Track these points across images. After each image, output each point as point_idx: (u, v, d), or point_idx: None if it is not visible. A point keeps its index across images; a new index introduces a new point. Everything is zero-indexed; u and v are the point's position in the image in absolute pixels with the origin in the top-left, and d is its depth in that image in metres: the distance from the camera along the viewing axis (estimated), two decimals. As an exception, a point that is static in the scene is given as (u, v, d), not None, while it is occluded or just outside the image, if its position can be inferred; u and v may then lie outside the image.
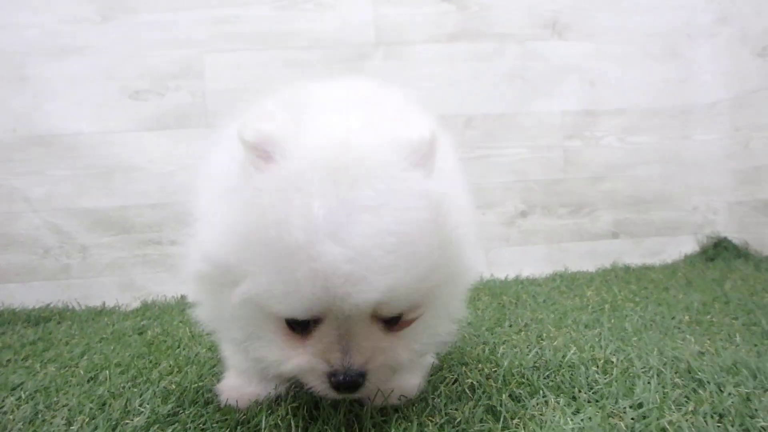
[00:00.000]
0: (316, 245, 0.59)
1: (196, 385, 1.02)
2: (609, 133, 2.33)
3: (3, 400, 1.01)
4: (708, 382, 0.88)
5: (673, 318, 1.35)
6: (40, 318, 1.83)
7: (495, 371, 0.99)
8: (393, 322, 0.68)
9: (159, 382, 1.06)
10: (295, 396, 0.88)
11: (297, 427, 0.78)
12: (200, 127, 2.09)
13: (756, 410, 0.78)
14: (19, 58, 2.02)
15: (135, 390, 1.02)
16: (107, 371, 1.16)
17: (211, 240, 0.68)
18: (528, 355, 1.08)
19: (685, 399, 0.84)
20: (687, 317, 1.35)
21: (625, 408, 0.81)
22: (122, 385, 1.06)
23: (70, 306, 2.03)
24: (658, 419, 0.77)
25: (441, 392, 0.91)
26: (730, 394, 0.82)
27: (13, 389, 1.08)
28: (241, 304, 0.66)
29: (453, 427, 0.77)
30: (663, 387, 0.88)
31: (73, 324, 1.74)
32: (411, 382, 0.91)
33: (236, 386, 0.94)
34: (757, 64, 2.17)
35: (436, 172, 0.69)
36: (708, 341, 1.12)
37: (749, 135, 2.23)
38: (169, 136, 2.08)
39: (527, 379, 0.95)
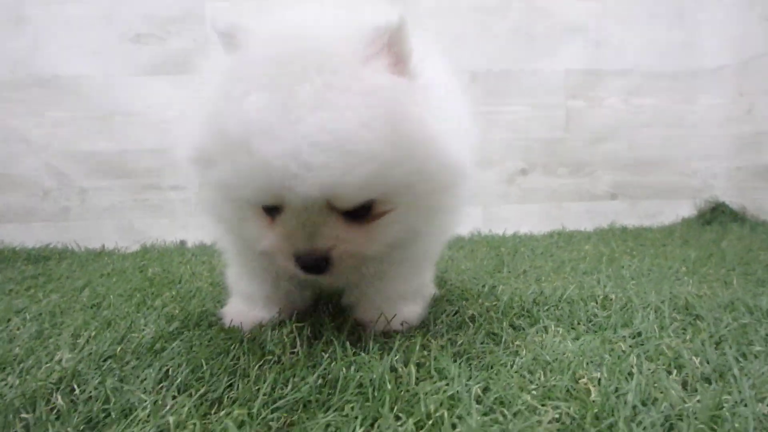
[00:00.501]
0: (249, 140, 0.60)
1: (200, 310, 1.03)
2: (612, 94, 2.32)
3: (9, 320, 1.02)
4: (704, 317, 0.89)
5: (669, 268, 1.37)
6: (40, 257, 1.84)
7: (495, 304, 1.01)
8: (360, 215, 0.68)
9: (162, 308, 1.07)
10: (299, 318, 0.89)
11: (302, 344, 0.79)
12: (202, 73, 2.07)
13: (752, 340, 0.79)
14: (18, -2, 1.99)
15: (138, 314, 1.03)
16: (110, 299, 1.17)
17: (189, 129, 0.72)
18: (527, 292, 1.09)
19: (683, 330, 0.86)
20: (684, 268, 1.36)
21: (624, 336, 0.83)
22: (126, 310, 1.07)
23: (70, 247, 2.04)
24: (656, 344, 0.79)
25: (442, 321, 0.93)
26: (727, 325, 0.84)
27: (18, 312, 1.09)
28: (215, 189, 0.71)
29: (454, 347, 0.79)
30: (661, 320, 0.89)
31: (74, 262, 1.75)
32: (412, 309, 0.93)
33: (241, 310, 0.96)
34: (763, 27, 2.15)
35: (411, 66, 0.66)
36: (705, 286, 1.14)
37: (753, 100, 2.22)
38: (170, 82, 2.05)
39: (527, 311, 0.96)
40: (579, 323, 0.90)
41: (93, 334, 0.89)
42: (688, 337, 0.81)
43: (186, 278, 1.41)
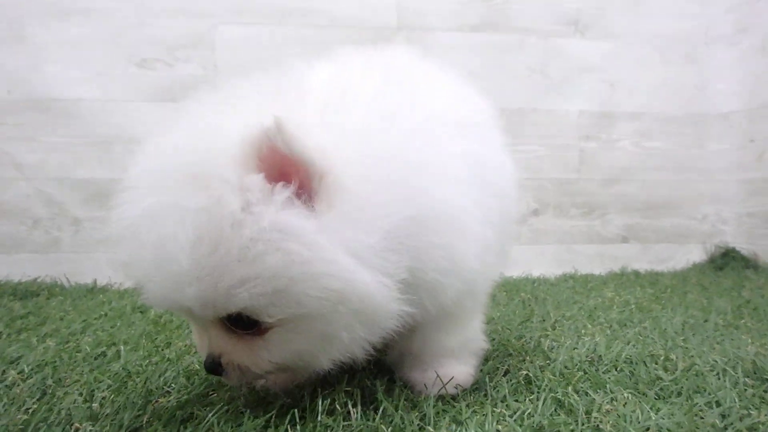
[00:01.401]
0: (121, 244, 0.63)
1: (224, 364, 0.93)
2: (624, 136, 2.29)
3: (4, 373, 0.91)
4: (783, 383, 0.82)
5: (706, 321, 1.30)
6: (28, 292, 1.71)
7: (548, 364, 0.93)
8: (249, 327, 0.64)
9: (178, 361, 0.97)
10: (347, 380, 0.80)
11: (356, 411, 0.70)
12: (208, 102, 1.99)
13: None
14: (18, 16, 1.89)
15: (152, 368, 0.93)
16: (116, 348, 1.07)
17: None
18: (578, 349, 1.01)
19: (761, 399, 0.78)
20: (721, 321, 1.30)
21: (701, 406, 0.76)
22: (137, 362, 0.97)
23: (59, 281, 1.91)
24: (741, 419, 0.71)
25: (496, 383, 0.84)
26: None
27: (13, 362, 0.98)
28: None
29: (524, 418, 0.70)
30: (735, 386, 0.82)
31: (65, 300, 1.63)
32: (463, 369, 0.84)
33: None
34: (776, 75, 2.16)
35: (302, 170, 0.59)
36: (757, 343, 1.07)
37: (763, 147, 2.22)
38: (176, 109, 1.96)
39: (586, 373, 0.88)
40: (646, 388, 0.83)
41: (108, 395, 0.79)
42: (776, 410, 0.74)
43: (194, 322, 1.31)
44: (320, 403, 0.70)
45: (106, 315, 1.42)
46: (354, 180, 0.62)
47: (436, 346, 0.83)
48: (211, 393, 0.81)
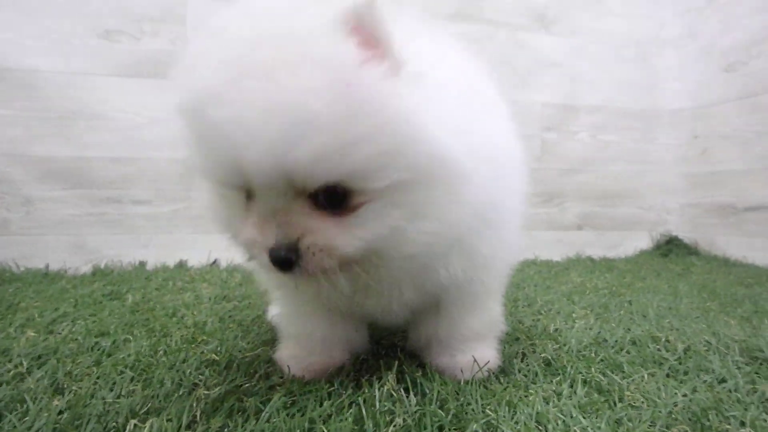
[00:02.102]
0: (202, 109, 0.57)
1: (247, 355, 0.91)
2: (583, 128, 2.39)
3: (17, 365, 0.85)
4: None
5: (680, 302, 1.40)
6: (-23, 278, 1.59)
7: (561, 347, 0.97)
8: (335, 205, 0.61)
9: (188, 351, 0.94)
10: (387, 368, 0.80)
11: (409, 397, 0.71)
12: (176, 79, 1.90)
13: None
14: (-34, -23, 1.73)
15: (165, 359, 0.89)
16: (110, 338, 1.01)
17: None
18: (582, 332, 1.06)
19: (757, 375, 0.86)
20: (691, 303, 1.40)
21: (711, 382, 0.82)
22: (144, 353, 0.92)
23: (8, 266, 1.78)
24: (749, 393, 0.78)
25: (520, 367, 0.87)
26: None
27: (2, 353, 0.91)
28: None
29: (563, 398, 0.74)
30: (735, 364, 0.89)
31: (23, 286, 1.52)
32: (489, 352, 0.87)
33: (297, 356, 0.86)
34: (721, 78, 2.32)
35: (390, 49, 0.59)
36: (734, 323, 1.16)
37: (706, 143, 2.38)
38: (142, 85, 1.86)
39: (597, 355, 0.93)
40: (656, 368, 0.88)
41: (134, 388, 0.75)
42: (777, 384, 0.81)
43: (181, 310, 1.26)
44: (377, 389, 0.70)
45: (77, 303, 1.34)
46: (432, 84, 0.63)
47: (463, 328, 0.85)
48: (246, 383, 0.79)
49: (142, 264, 1.91)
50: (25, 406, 0.69)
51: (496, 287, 0.90)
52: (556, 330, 1.09)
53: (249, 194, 0.63)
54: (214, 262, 1.96)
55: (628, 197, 2.47)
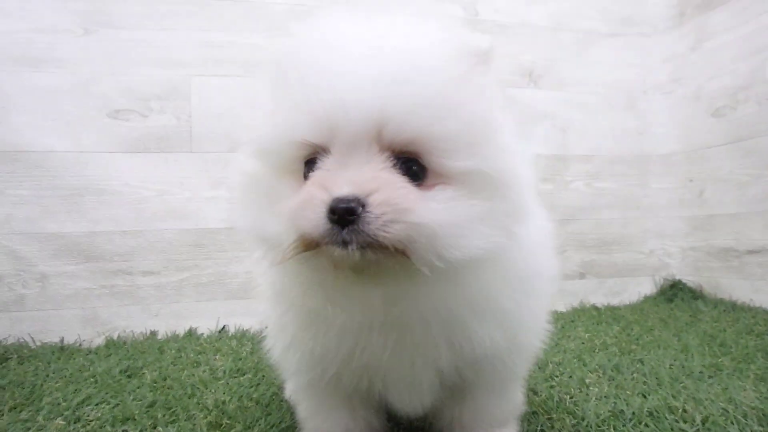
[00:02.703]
0: (315, 60, 0.61)
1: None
2: (577, 177, 2.45)
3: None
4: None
5: (689, 361, 1.41)
6: (-4, 356, 1.61)
7: (579, 423, 0.99)
8: (413, 176, 0.61)
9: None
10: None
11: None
12: (183, 152, 1.96)
13: None
14: (-16, 64, 1.82)
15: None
16: (136, 424, 1.04)
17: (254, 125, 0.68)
18: (597, 402, 1.09)
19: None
20: (703, 362, 1.40)
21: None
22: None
23: (24, 341, 1.81)
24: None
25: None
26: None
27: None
28: (266, 167, 0.67)
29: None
30: (751, 435, 0.92)
31: (41, 365, 1.55)
32: (510, 434, 0.89)
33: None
34: (710, 122, 2.38)
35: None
36: (748, 385, 1.18)
37: (702, 186, 2.43)
38: (149, 160, 1.93)
39: (615, 429, 0.95)
40: (673, 443, 0.90)
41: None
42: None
43: (200, 388, 1.28)
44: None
45: (97, 382, 1.37)
46: None
47: (486, 415, 0.87)
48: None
49: (153, 334, 1.93)
50: None
51: (523, 372, 0.92)
52: (573, 401, 1.11)
53: (310, 162, 0.63)
54: (223, 328, 1.98)
55: (628, 243, 2.51)
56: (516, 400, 0.92)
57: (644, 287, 2.51)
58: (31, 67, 1.84)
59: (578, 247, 2.44)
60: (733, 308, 2.16)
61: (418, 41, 0.62)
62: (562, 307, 2.33)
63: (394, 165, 0.60)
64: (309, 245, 0.60)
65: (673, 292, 2.43)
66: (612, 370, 1.34)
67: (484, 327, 0.73)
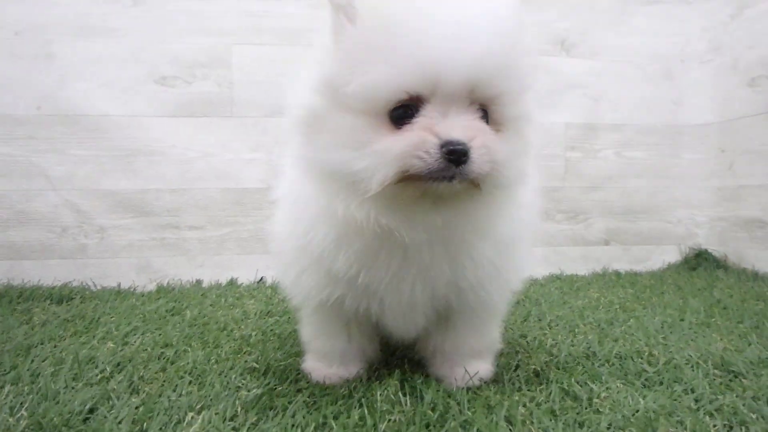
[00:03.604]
0: (420, 22, 0.71)
1: (281, 364, 1.09)
2: (606, 146, 2.49)
3: (88, 371, 1.05)
4: (745, 372, 1.01)
5: (682, 320, 1.49)
6: (62, 296, 1.84)
7: (551, 359, 1.11)
8: (486, 122, 0.77)
9: (235, 360, 1.12)
10: (385, 375, 0.96)
11: (405, 400, 0.86)
12: (224, 117, 2.13)
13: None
14: (47, 35, 2.01)
15: (216, 366, 1.08)
16: (173, 348, 1.21)
17: (324, 66, 0.78)
18: (575, 347, 1.19)
19: (728, 386, 0.97)
20: (695, 319, 1.49)
21: (680, 393, 0.94)
22: (200, 362, 1.11)
23: (87, 285, 2.04)
24: (710, 402, 0.90)
25: (511, 377, 1.01)
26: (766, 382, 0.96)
27: (90, 361, 1.12)
28: (344, 107, 0.75)
29: (541, 404, 0.88)
30: (706, 375, 1.01)
31: (100, 303, 1.76)
32: (485, 366, 1.02)
33: (319, 367, 1.03)
34: (745, 93, 2.36)
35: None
36: (726, 340, 1.26)
37: (733, 157, 2.43)
38: (193, 124, 2.11)
39: (584, 367, 1.06)
40: (635, 379, 1.00)
41: (192, 390, 0.94)
42: (738, 393, 0.92)
43: (231, 325, 1.46)
44: (379, 393, 0.87)
45: (145, 318, 1.56)
46: None
47: (465, 346, 1.00)
48: (278, 386, 0.97)
49: (199, 282, 2.13)
50: (110, 402, 0.88)
51: (501, 311, 1.05)
52: (554, 343, 1.22)
53: (404, 113, 0.74)
54: (261, 279, 2.16)
55: (655, 212, 2.54)
56: (493, 335, 1.04)
57: (669, 255, 2.54)
58: (87, 37, 2.03)
59: (603, 213, 2.49)
60: (755, 278, 2.18)
61: (499, 12, 0.75)
62: (584, 272, 2.40)
63: (479, 113, 0.75)
64: (407, 179, 0.73)
65: (698, 261, 2.46)
66: (605, 324, 1.44)
67: (487, 248, 0.89)
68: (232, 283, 2.14)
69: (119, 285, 2.07)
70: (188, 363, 1.10)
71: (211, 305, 1.73)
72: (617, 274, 2.38)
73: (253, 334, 1.36)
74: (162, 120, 2.09)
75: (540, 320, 1.49)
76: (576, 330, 1.37)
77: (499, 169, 0.74)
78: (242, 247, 2.17)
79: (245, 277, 2.15)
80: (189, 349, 1.22)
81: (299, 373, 1.04)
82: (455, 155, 0.71)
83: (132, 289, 2.04)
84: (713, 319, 1.49)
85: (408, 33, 0.71)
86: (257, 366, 1.08)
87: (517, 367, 1.08)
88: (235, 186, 2.15)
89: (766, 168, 2.28)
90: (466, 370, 0.97)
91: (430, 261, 0.86)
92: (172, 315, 1.62)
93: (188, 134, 2.10)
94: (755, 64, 2.33)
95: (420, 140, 0.71)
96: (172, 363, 1.12)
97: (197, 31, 2.10)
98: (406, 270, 0.86)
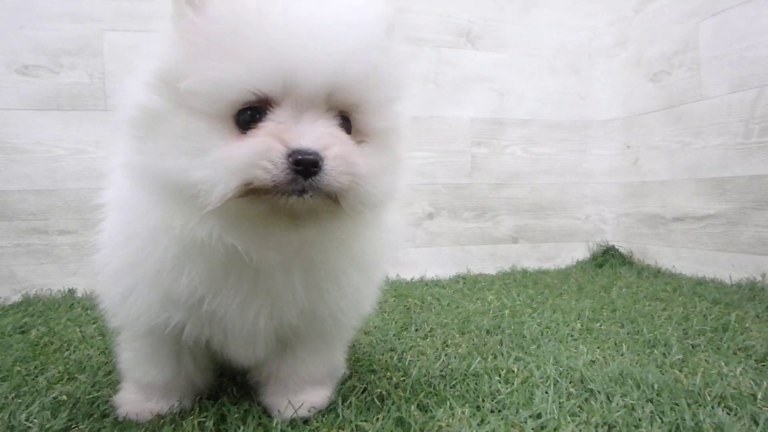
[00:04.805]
0: (270, 19, 0.63)
1: (91, 396, 0.95)
2: (513, 142, 2.43)
3: None
4: (599, 392, 0.94)
5: (567, 325, 1.43)
6: None
7: (403, 380, 1.01)
8: (347, 132, 0.69)
9: (47, 391, 0.99)
10: (202, 407, 0.84)
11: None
12: (97, 110, 1.95)
13: (639, 419, 0.85)
14: None
15: (20, 401, 0.94)
16: (-9, 378, 1.06)
17: (161, 59, 0.68)
18: (435, 363, 1.11)
19: (579, 409, 0.90)
20: (579, 325, 1.43)
21: (525, 418, 0.86)
22: (4, 395, 0.97)
23: (-62, 299, 1.83)
24: (555, 429, 0.82)
25: (351, 403, 0.91)
26: (617, 404, 0.89)
27: None
28: (182, 107, 0.65)
29: (363, 440, 0.78)
30: (559, 397, 0.93)
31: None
32: (322, 393, 0.91)
33: (136, 400, 0.90)
34: (648, 87, 2.35)
35: None
36: (598, 350, 1.20)
37: (638, 153, 2.41)
38: (61, 118, 1.91)
39: (434, 389, 0.97)
40: (484, 400, 0.92)
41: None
42: (583, 419, 0.85)
43: (75, 344, 1.31)
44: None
45: (-17, 337, 1.39)
46: None
47: (303, 372, 0.89)
48: (78, 424, 0.84)
49: (72, 291, 1.95)
50: None
51: (346, 337, 0.96)
52: (414, 360, 1.13)
53: (252, 116, 0.65)
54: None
55: (563, 209, 2.51)
56: (335, 362, 0.94)
57: (578, 252, 2.52)
58: (-67, 21, 1.81)
59: (512, 211, 2.44)
60: (656, 274, 2.18)
61: (366, 15, 0.69)
62: (492, 270, 2.34)
63: (337, 120, 0.68)
64: (252, 192, 0.63)
65: (605, 258, 2.44)
66: (485, 332, 1.36)
67: (354, 273, 0.82)
68: (108, 291, 1.96)
69: (-22, 296, 1.86)
70: (-15, 399, 0.95)
71: (69, 320, 1.57)
72: (525, 272, 2.33)
73: (94, 355, 1.22)
74: (25, 113, 1.89)
75: (417, 330, 1.40)
76: (449, 342, 1.29)
77: (360, 183, 0.66)
78: (121, 253, 2.00)
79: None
80: (6, 378, 1.07)
81: (110, 408, 0.90)
82: (303, 165, 0.62)
83: (-8, 302, 1.85)
84: (597, 324, 1.44)
85: (260, 26, 0.62)
86: (65, 399, 0.94)
87: (365, 390, 0.98)
88: (110, 186, 1.97)
89: (668, 164, 2.27)
90: (289, 402, 0.86)
91: (284, 287, 0.77)
92: (20, 332, 1.46)
93: (55, 129, 1.91)
94: (656, 58, 2.31)
95: (265, 148, 0.62)
96: (-22, 396, 0.97)
97: (62, 15, 1.91)
98: (253, 296, 0.76)
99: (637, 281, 2.03)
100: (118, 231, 0.83)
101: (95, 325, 1.50)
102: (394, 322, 1.48)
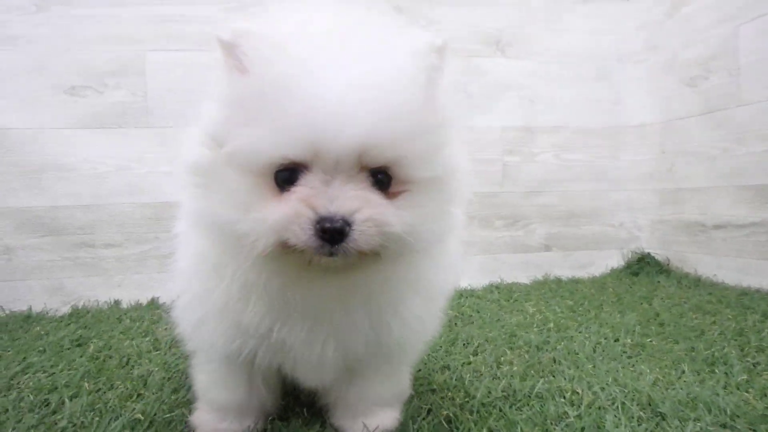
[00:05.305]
0: (296, 83, 0.62)
1: (167, 415, 0.98)
2: (545, 149, 2.44)
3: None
4: (670, 416, 0.95)
5: (617, 341, 1.43)
6: (-37, 325, 1.69)
7: (467, 401, 1.03)
8: (381, 187, 0.68)
9: (121, 409, 1.02)
10: (272, 429, 0.87)
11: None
12: (140, 127, 1.99)
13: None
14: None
15: (98, 419, 0.97)
16: (58, 394, 1.10)
17: (210, 119, 0.70)
18: (494, 382, 1.12)
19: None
20: (630, 340, 1.43)
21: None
22: (81, 413, 1.00)
23: (-7, 310, 1.89)
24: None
25: (420, 426, 0.93)
26: (692, 430, 0.89)
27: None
28: (229, 165, 0.67)
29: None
30: (630, 421, 0.94)
31: (2, 332, 1.62)
32: (390, 415, 0.93)
33: (209, 421, 0.93)
34: (684, 92, 2.34)
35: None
36: (657, 369, 1.20)
37: (673, 158, 2.41)
38: (106, 136, 1.96)
39: (501, 411, 0.99)
40: (553, 425, 0.93)
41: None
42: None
43: (134, 358, 1.35)
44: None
45: (44, 351, 1.43)
46: None
47: (372, 395, 0.92)
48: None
49: (117, 303, 2.00)
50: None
51: (414, 359, 0.98)
52: (474, 379, 1.15)
53: (290, 178, 0.66)
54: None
55: (596, 216, 2.51)
56: (402, 384, 0.96)
57: (612, 260, 2.52)
58: (-14, 46, 1.86)
59: (544, 219, 2.45)
60: (696, 283, 2.17)
61: (393, 68, 0.66)
62: (524, 279, 2.35)
63: (369, 180, 0.66)
64: (290, 247, 0.65)
65: (640, 265, 2.44)
66: (535, 348, 1.37)
67: (417, 302, 0.83)
68: (152, 303, 2.01)
69: (30, 309, 1.92)
70: (63, 417, 0.99)
71: (121, 333, 1.61)
72: (558, 281, 2.34)
73: (155, 370, 1.25)
74: (72, 132, 1.94)
75: (466, 345, 1.42)
76: (502, 359, 1.30)
77: (394, 240, 0.66)
78: (163, 265, 2.03)
79: (167, 296, 2.02)
80: (77, 395, 1.10)
81: (185, 428, 0.94)
82: (329, 233, 0.63)
83: (44, 313, 1.90)
84: (649, 339, 1.44)
85: (291, 92, 0.62)
86: (141, 418, 0.97)
87: (429, 412, 1.00)
88: (153, 201, 2.01)
89: (706, 170, 2.26)
90: (365, 425, 0.88)
91: (347, 321, 0.79)
92: (77, 346, 1.50)
93: (101, 147, 1.96)
94: (692, 63, 2.30)
95: (293, 213, 0.64)
96: (54, 413, 1.01)
97: (107, 38, 1.96)
98: (319, 328, 0.79)
99: (678, 291, 2.03)
100: (189, 263, 0.86)
101: (146, 338, 1.54)
102: (440, 336, 1.50)
